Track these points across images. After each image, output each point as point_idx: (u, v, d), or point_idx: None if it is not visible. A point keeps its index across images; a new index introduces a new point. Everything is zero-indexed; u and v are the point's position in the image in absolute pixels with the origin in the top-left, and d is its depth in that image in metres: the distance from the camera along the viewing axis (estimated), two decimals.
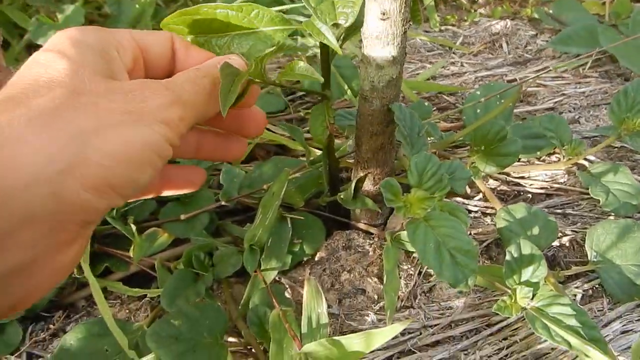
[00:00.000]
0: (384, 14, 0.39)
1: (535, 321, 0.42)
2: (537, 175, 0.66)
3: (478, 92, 0.73)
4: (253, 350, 0.47)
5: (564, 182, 0.65)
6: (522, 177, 0.65)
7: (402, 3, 0.38)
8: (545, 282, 0.47)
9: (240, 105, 0.33)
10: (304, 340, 0.45)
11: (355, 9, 0.31)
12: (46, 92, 0.25)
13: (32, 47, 0.74)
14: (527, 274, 0.45)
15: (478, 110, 0.71)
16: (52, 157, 0.23)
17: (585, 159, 0.67)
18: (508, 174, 0.65)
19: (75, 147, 0.24)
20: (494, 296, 0.50)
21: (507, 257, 0.46)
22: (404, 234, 0.50)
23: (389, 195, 0.41)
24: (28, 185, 0.22)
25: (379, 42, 0.41)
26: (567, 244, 0.57)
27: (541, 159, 0.69)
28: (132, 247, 0.52)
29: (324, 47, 0.43)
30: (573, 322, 0.42)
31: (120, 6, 0.76)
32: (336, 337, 0.41)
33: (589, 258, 0.52)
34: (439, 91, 0.80)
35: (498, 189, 0.63)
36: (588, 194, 0.61)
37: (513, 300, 0.44)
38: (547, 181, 0.65)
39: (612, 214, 0.59)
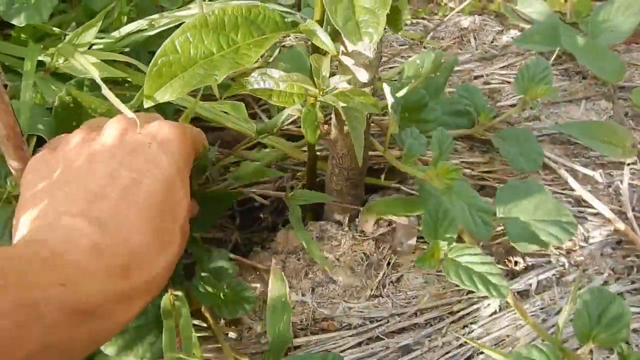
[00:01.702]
0: None
1: (450, 270, 0.46)
2: (480, 163, 0.71)
3: (417, 61, 0.75)
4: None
5: (504, 160, 0.70)
6: (466, 162, 0.70)
7: None
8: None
9: None
10: (269, 328, 0.47)
11: (379, 29, 0.33)
12: None
13: (5, 28, 0.73)
14: (442, 230, 0.49)
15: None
16: None
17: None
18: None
19: None
20: (457, 287, 0.54)
21: (425, 216, 0.50)
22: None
23: (422, 174, 0.48)
24: None
25: (355, 46, 0.43)
26: None
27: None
28: None
29: (315, 49, 0.45)
30: (481, 269, 0.46)
31: None
32: None
33: (497, 214, 0.57)
34: None
35: None
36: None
37: (432, 254, 0.48)
38: (483, 162, 0.71)
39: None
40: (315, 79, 0.41)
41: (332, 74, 0.43)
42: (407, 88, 0.59)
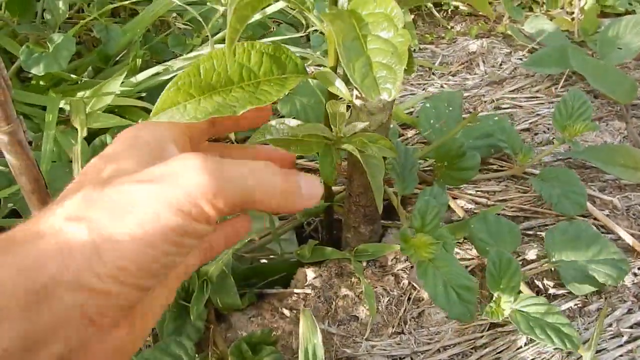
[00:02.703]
0: None
1: (520, 322, 0.47)
2: (495, 192, 0.70)
3: (427, 105, 0.77)
4: None
5: (519, 188, 0.70)
6: (482, 191, 0.70)
7: None
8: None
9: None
10: None
11: (396, 84, 0.32)
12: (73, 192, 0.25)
13: (22, 72, 0.75)
14: (505, 280, 0.50)
15: (432, 121, 0.75)
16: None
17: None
18: (467, 192, 0.69)
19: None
20: (480, 320, 0.54)
21: (488, 267, 0.50)
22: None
23: (404, 245, 0.45)
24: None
25: None
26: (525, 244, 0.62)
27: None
28: None
29: (330, 94, 0.45)
30: (550, 319, 0.47)
31: (108, 32, 0.76)
32: None
33: (548, 257, 0.58)
34: None
35: (463, 206, 0.67)
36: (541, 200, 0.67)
37: (497, 305, 0.49)
38: (498, 191, 0.70)
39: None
40: (332, 125, 0.42)
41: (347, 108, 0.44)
42: (443, 138, 0.60)
